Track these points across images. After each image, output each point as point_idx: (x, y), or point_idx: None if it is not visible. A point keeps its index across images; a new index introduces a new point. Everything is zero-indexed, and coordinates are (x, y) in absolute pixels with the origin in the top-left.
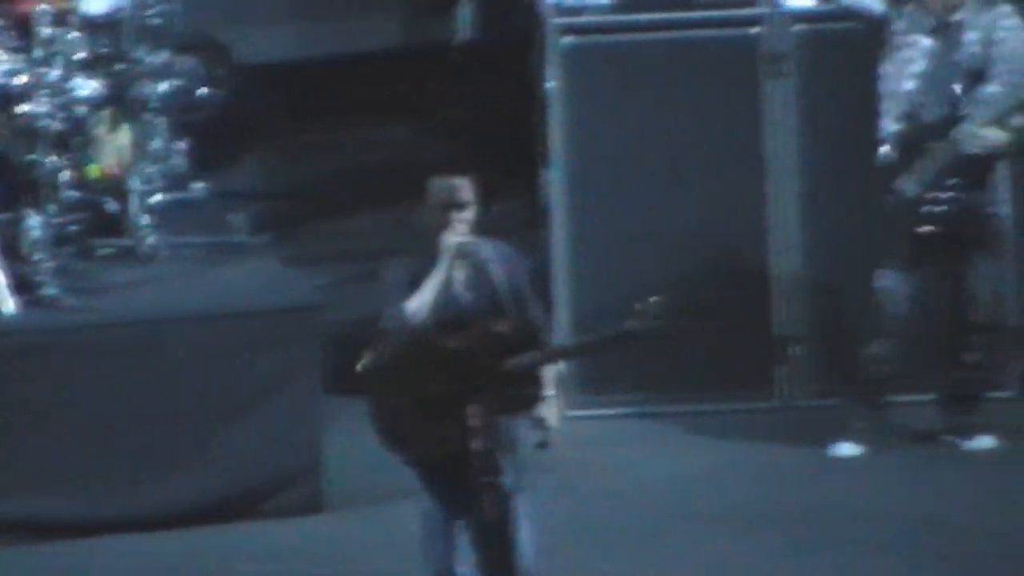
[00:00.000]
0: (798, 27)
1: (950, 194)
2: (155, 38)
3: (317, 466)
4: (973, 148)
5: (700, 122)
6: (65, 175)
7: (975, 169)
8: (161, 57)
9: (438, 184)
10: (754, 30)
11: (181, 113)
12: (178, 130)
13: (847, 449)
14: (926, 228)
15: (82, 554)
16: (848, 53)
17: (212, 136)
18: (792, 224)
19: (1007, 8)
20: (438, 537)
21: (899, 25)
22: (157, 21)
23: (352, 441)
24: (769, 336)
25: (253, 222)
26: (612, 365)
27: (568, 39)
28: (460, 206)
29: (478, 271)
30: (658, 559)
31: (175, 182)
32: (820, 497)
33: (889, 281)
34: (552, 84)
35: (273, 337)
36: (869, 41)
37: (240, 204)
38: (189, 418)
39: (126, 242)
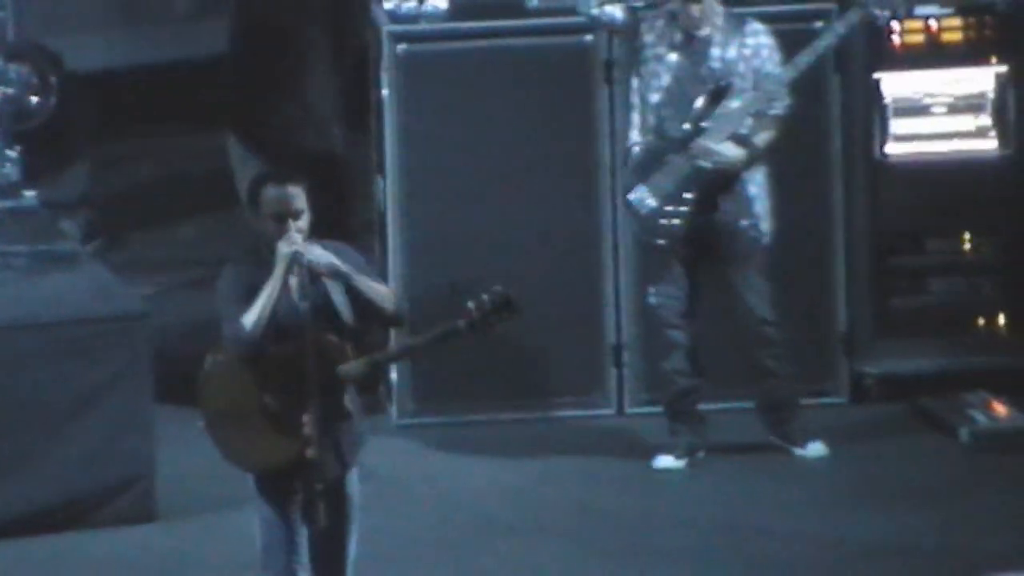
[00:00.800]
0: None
1: (685, 209)
2: None
3: (148, 474)
4: (709, 163)
5: (534, 129)
6: None
7: (712, 184)
8: None
9: (270, 193)
10: (587, 37)
11: (12, 121)
12: (9, 138)
13: (666, 462)
14: (661, 242)
15: None
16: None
17: (42, 144)
18: (625, 232)
19: (757, 26)
20: (279, 546)
21: (648, 38)
22: None
23: (185, 449)
24: (601, 344)
25: (83, 230)
26: (443, 373)
27: (402, 47)
28: (294, 215)
29: (312, 278)
30: (478, 568)
31: (6, 190)
32: (636, 506)
33: (652, 297)
34: (386, 91)
35: (102, 345)
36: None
37: (71, 212)
38: (15, 426)
39: None
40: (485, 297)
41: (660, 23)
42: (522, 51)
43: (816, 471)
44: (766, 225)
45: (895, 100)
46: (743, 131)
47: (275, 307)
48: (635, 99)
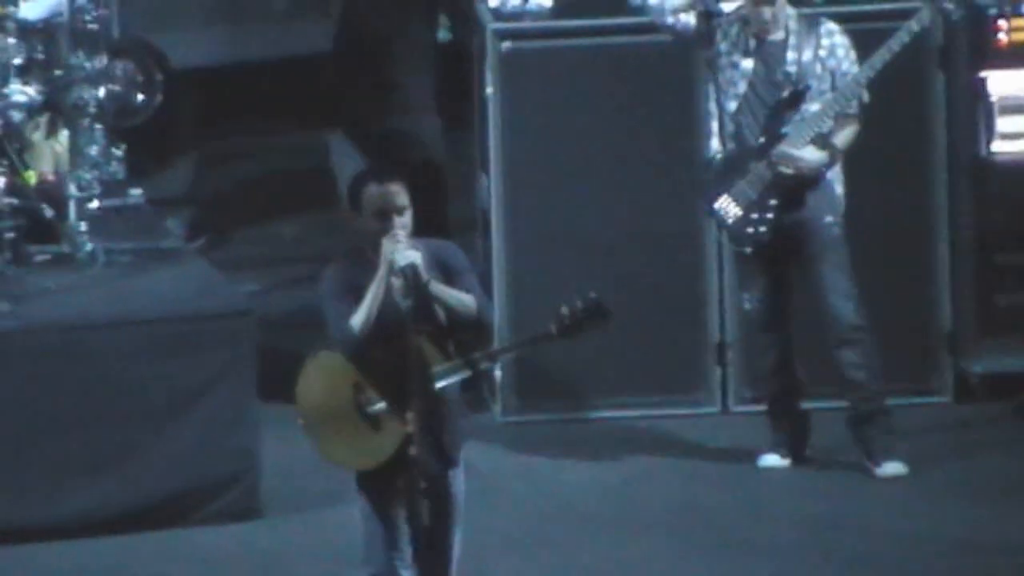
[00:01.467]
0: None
1: (770, 216)
2: (91, 43)
3: (252, 471)
4: (791, 169)
5: (637, 126)
6: (1, 182)
7: (797, 187)
8: (97, 63)
9: (372, 190)
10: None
11: (118, 119)
12: (115, 136)
13: (771, 460)
14: (748, 250)
15: (7, 562)
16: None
17: (148, 142)
18: None
19: (831, 25)
20: (380, 543)
21: (723, 45)
22: (93, 27)
23: (288, 446)
24: (705, 342)
25: (187, 228)
26: (547, 371)
27: (506, 44)
28: (398, 211)
29: (415, 277)
30: (579, 564)
31: (112, 188)
32: (739, 504)
33: (747, 303)
34: (490, 89)
35: (206, 342)
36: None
37: (176, 210)
38: (122, 422)
39: (63, 248)
40: (578, 303)
41: (734, 30)
42: (625, 48)
43: (920, 469)
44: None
45: (1001, 98)
46: (823, 133)
47: (379, 307)
48: (712, 107)
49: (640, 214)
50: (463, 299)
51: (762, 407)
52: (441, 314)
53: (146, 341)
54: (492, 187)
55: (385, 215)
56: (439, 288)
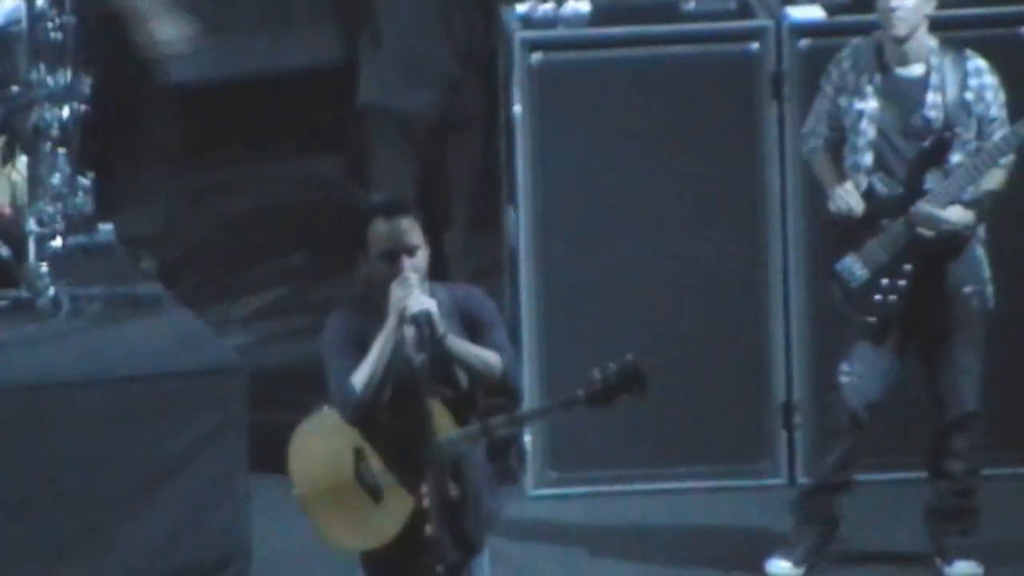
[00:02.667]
0: (804, 42)
1: (903, 283)
2: (54, 57)
3: (243, 554)
4: (932, 232)
5: (688, 152)
6: None
7: (937, 252)
8: (61, 78)
9: (380, 227)
10: (752, 46)
11: (85, 143)
12: (82, 163)
13: (782, 568)
14: (871, 319)
15: None
16: None
17: (121, 170)
18: (797, 273)
19: (980, 62)
20: None
21: (835, 75)
22: (56, 37)
23: (285, 525)
24: (769, 403)
25: (167, 270)
26: (585, 436)
27: (537, 56)
28: (409, 251)
29: (430, 329)
30: None
31: (78, 224)
32: None
33: (845, 376)
34: (518, 107)
35: (188, 404)
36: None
37: (153, 249)
38: (90, 500)
39: (21, 293)
40: (612, 366)
41: (847, 61)
42: (676, 61)
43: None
44: (990, 290)
45: None
46: (969, 191)
47: (388, 363)
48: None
49: (693, 253)
50: (486, 358)
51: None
52: (460, 374)
53: (118, 404)
54: (520, 222)
55: (394, 256)
56: (458, 344)
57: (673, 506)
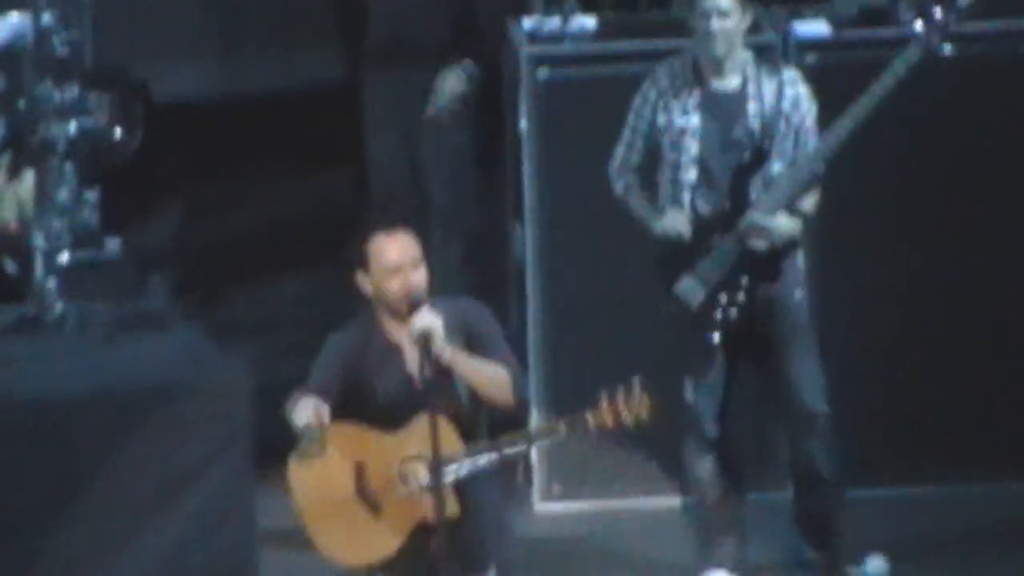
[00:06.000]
0: (811, 57)
1: (740, 295)
2: (61, 71)
3: (250, 571)
4: (763, 242)
5: None
6: None
7: (768, 262)
8: (69, 93)
9: (378, 242)
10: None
11: (92, 158)
12: (89, 178)
13: None
14: (715, 337)
15: None
16: (869, 86)
17: (127, 186)
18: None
19: (794, 73)
20: None
21: (651, 94)
22: (64, 51)
23: (292, 542)
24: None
25: (174, 285)
26: (592, 450)
27: (545, 71)
28: (412, 264)
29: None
30: None
31: (85, 239)
32: None
33: (690, 393)
34: (525, 123)
35: (194, 420)
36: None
37: (160, 264)
38: (92, 516)
39: (28, 309)
40: (620, 391)
41: (664, 79)
42: None
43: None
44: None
45: None
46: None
47: (382, 382)
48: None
49: None
50: (492, 373)
51: (864, 491)
52: (462, 390)
53: (126, 419)
54: (527, 239)
55: (396, 270)
56: (465, 360)
57: (680, 521)
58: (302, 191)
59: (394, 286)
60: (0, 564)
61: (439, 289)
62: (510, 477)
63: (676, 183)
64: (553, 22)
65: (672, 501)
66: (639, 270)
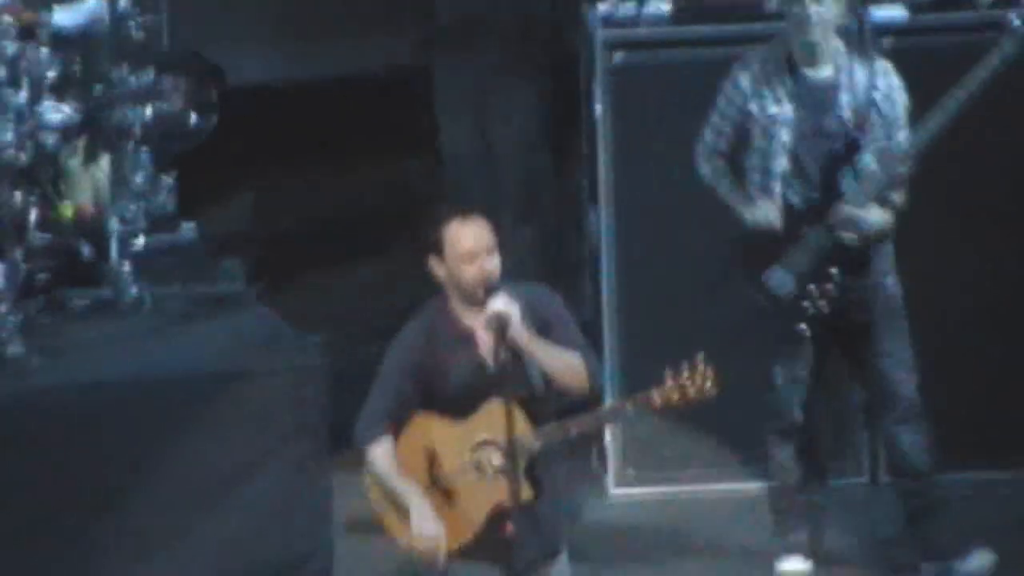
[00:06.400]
0: (888, 41)
1: (830, 287)
2: (137, 56)
3: (325, 553)
4: (854, 234)
5: None
6: (33, 215)
7: (858, 253)
8: (144, 78)
9: (455, 229)
10: None
11: (168, 142)
12: (164, 162)
13: (794, 564)
14: (803, 328)
15: None
16: (945, 71)
17: (202, 170)
18: None
19: (886, 63)
20: None
21: (744, 83)
22: (139, 36)
23: (367, 523)
24: (848, 402)
25: (248, 269)
26: (667, 434)
27: (619, 55)
28: (486, 253)
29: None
30: None
31: (160, 223)
32: None
33: (779, 377)
34: (600, 107)
35: (270, 402)
36: (967, 58)
37: (234, 248)
38: (168, 497)
39: (104, 293)
40: (684, 366)
41: (756, 65)
42: None
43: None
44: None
45: None
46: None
47: (454, 367)
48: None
49: (772, 253)
50: (568, 358)
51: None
52: (535, 376)
53: (200, 402)
54: (602, 222)
55: (472, 257)
56: (541, 346)
57: (752, 506)
58: (375, 176)
59: (469, 272)
60: (72, 545)
61: (510, 275)
62: (584, 462)
63: (766, 172)
64: (628, 6)
65: (746, 486)
66: (713, 254)
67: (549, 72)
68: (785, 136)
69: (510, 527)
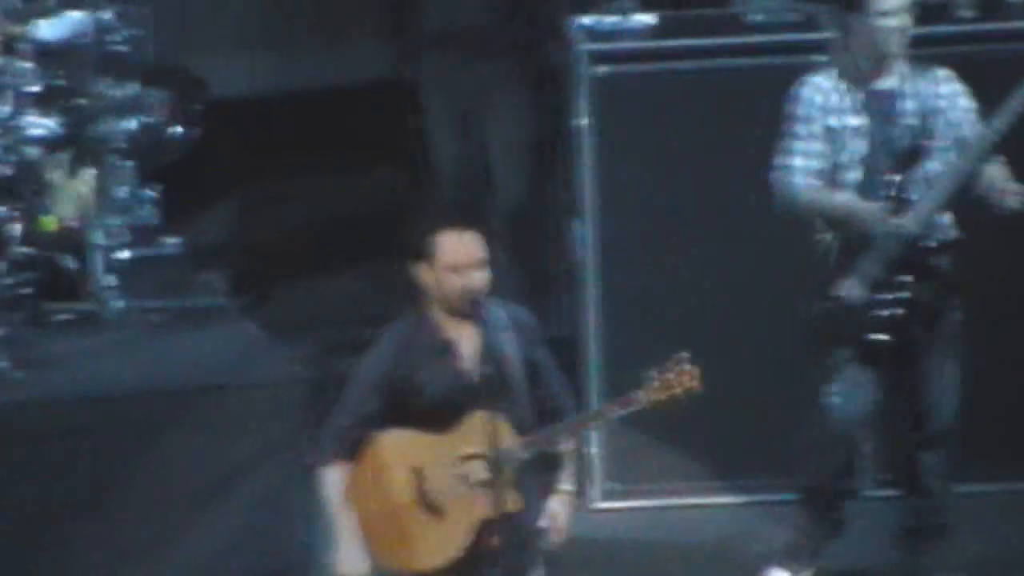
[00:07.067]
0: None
1: (903, 294)
2: (120, 68)
3: (303, 565)
4: (927, 241)
5: (759, 166)
6: (15, 228)
7: (929, 261)
8: (127, 90)
9: (447, 239)
10: (822, 58)
11: (150, 156)
12: (147, 176)
13: None
14: (879, 336)
15: None
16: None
17: (185, 183)
18: None
19: (947, 71)
20: None
21: (817, 98)
22: (122, 49)
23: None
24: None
25: (233, 282)
26: (652, 445)
27: (601, 68)
28: (478, 265)
29: (491, 343)
30: None
31: (144, 236)
32: None
33: (837, 397)
34: (582, 120)
35: (250, 415)
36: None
37: (216, 262)
38: (148, 509)
39: (87, 306)
40: (667, 364)
41: (826, 81)
42: (744, 73)
43: None
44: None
45: None
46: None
47: (431, 377)
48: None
49: (762, 267)
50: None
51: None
52: (519, 384)
53: (180, 414)
54: (584, 236)
55: (464, 269)
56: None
57: (740, 518)
58: (357, 187)
59: (458, 284)
60: (53, 557)
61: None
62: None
63: (839, 184)
64: (611, 19)
65: (730, 499)
66: (696, 265)
67: (533, 84)
68: (858, 147)
69: (495, 539)
